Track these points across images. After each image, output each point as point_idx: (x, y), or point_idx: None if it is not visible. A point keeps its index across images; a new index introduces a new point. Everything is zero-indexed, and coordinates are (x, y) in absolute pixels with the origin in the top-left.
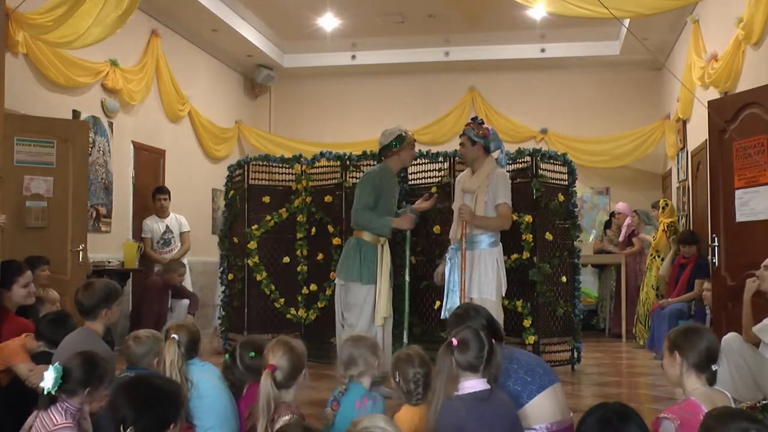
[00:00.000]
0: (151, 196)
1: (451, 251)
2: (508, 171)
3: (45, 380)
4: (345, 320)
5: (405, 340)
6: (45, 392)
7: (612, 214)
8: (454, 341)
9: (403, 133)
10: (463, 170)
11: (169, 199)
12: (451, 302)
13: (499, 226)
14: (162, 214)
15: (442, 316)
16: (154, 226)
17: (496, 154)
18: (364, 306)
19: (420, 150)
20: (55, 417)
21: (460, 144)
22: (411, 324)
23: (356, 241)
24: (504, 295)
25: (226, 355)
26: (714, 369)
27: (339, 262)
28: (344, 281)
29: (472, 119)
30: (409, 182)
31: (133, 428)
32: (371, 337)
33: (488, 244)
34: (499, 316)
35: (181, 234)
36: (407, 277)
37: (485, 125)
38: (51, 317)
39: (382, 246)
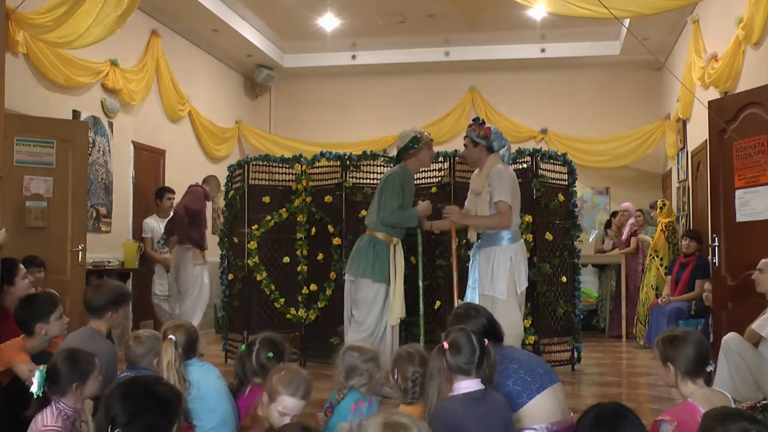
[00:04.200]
0: (155, 195)
1: (474, 248)
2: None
3: (33, 385)
4: (353, 317)
5: (422, 342)
6: (35, 396)
7: (613, 214)
8: (445, 344)
9: (419, 134)
10: (464, 169)
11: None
12: (470, 299)
13: (494, 225)
14: (164, 214)
15: None
16: (155, 226)
17: (501, 152)
18: (374, 304)
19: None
20: (46, 417)
21: (464, 146)
22: (411, 324)
23: (370, 239)
24: (520, 294)
25: (242, 346)
26: (708, 370)
27: (350, 259)
28: (354, 277)
29: (473, 120)
30: (413, 180)
31: (121, 431)
32: (373, 348)
33: (507, 240)
34: (510, 315)
35: None
36: (420, 282)
37: (486, 125)
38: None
39: (395, 246)
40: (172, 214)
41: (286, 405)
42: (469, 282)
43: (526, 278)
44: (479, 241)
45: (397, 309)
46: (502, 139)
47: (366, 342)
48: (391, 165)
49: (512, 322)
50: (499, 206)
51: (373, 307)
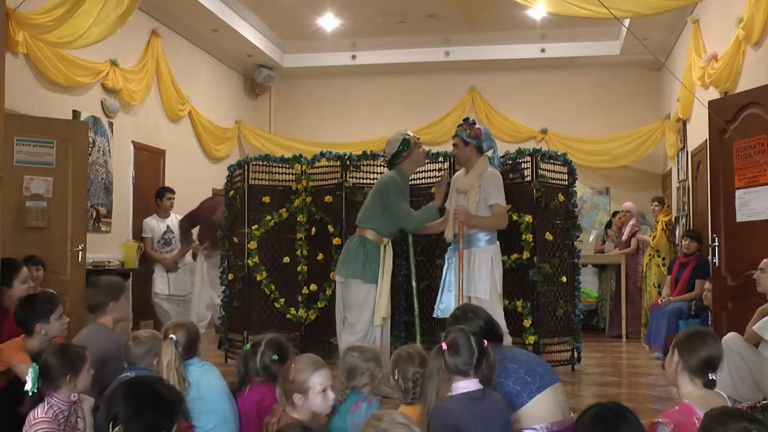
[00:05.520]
0: (156, 195)
1: (449, 251)
2: (509, 171)
3: (27, 383)
4: (345, 318)
5: (418, 343)
6: (29, 394)
7: (614, 214)
8: (444, 345)
9: (406, 136)
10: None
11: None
12: (446, 301)
13: (495, 226)
14: (164, 214)
15: (434, 314)
16: (155, 225)
17: (489, 153)
18: (365, 305)
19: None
20: (37, 411)
21: (453, 145)
22: (410, 324)
23: (360, 239)
24: (500, 294)
25: (247, 345)
26: (712, 378)
27: (340, 260)
28: (345, 278)
29: (464, 120)
30: (408, 182)
31: (122, 427)
32: (374, 348)
33: (485, 242)
34: (495, 315)
35: None
36: (414, 283)
37: (477, 125)
38: None
39: (385, 247)
40: (193, 216)
41: (320, 381)
42: (445, 285)
43: (502, 280)
44: (455, 244)
45: (382, 309)
46: (491, 140)
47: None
48: None
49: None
50: (496, 209)
51: (365, 308)
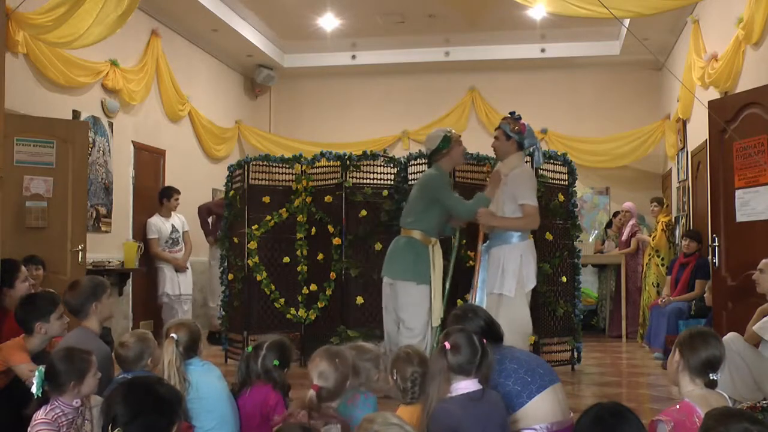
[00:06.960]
0: (162, 195)
1: (483, 248)
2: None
3: (32, 386)
4: (403, 322)
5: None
6: (35, 396)
7: (614, 215)
8: (447, 345)
9: (448, 133)
10: (464, 170)
11: None
12: (478, 299)
13: (522, 227)
14: (167, 213)
15: None
16: (161, 226)
17: (530, 150)
18: (421, 306)
19: (420, 150)
20: (39, 412)
21: (495, 137)
22: None
23: (407, 240)
24: (527, 292)
25: (249, 347)
26: (712, 378)
27: (386, 260)
28: (393, 280)
29: (510, 113)
30: (409, 182)
31: (121, 429)
32: (375, 348)
33: (517, 238)
34: (517, 312)
35: (184, 233)
36: (448, 283)
37: (522, 121)
38: None
39: (433, 246)
40: (209, 207)
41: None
42: (479, 282)
43: (535, 277)
44: (488, 240)
45: (438, 309)
46: (534, 137)
47: (419, 346)
48: (392, 165)
49: (520, 319)
50: (526, 209)
51: (421, 310)
